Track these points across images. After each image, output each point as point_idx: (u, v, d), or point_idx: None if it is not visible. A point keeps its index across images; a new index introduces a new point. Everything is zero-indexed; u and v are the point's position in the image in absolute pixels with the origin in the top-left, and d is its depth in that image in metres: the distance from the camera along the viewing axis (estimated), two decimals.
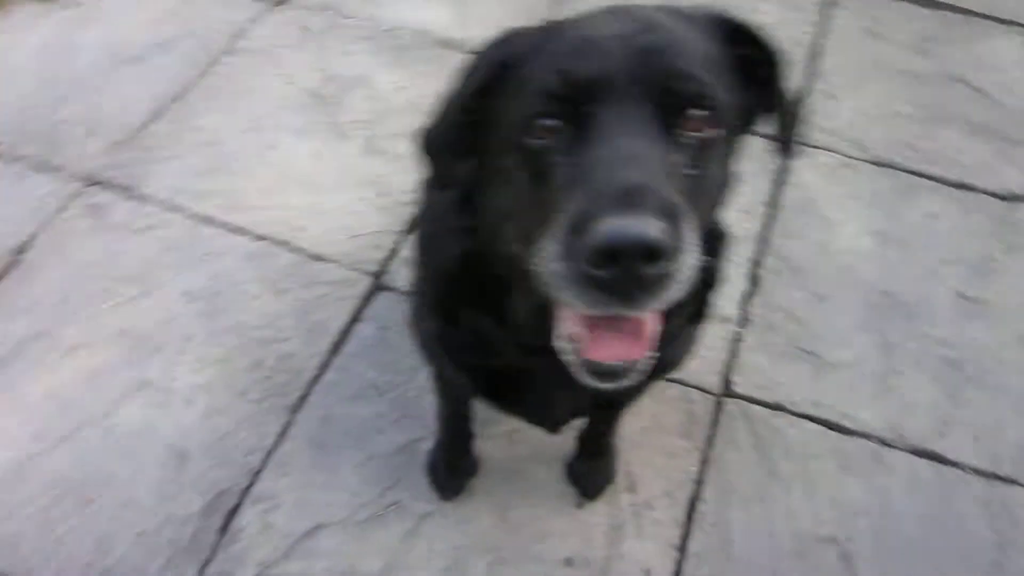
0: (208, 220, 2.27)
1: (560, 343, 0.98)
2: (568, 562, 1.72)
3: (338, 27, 2.83)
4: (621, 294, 0.80)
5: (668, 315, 0.98)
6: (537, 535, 1.75)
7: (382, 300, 2.12)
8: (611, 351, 0.91)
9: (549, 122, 0.90)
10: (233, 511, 1.77)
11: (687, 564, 1.71)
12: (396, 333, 2.02)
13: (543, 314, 1.06)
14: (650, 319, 0.93)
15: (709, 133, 0.92)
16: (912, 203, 2.40)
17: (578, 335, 0.93)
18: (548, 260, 0.84)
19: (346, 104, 2.58)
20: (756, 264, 2.23)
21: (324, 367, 1.99)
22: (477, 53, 1.04)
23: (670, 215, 0.80)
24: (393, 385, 1.97)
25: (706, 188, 0.96)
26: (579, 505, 1.79)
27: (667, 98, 0.89)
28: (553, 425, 1.41)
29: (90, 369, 1.98)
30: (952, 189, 2.44)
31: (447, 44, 2.75)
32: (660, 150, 0.87)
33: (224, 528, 1.75)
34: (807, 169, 2.47)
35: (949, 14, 3.03)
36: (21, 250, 2.19)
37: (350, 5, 2.91)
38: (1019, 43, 2.95)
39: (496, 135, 0.99)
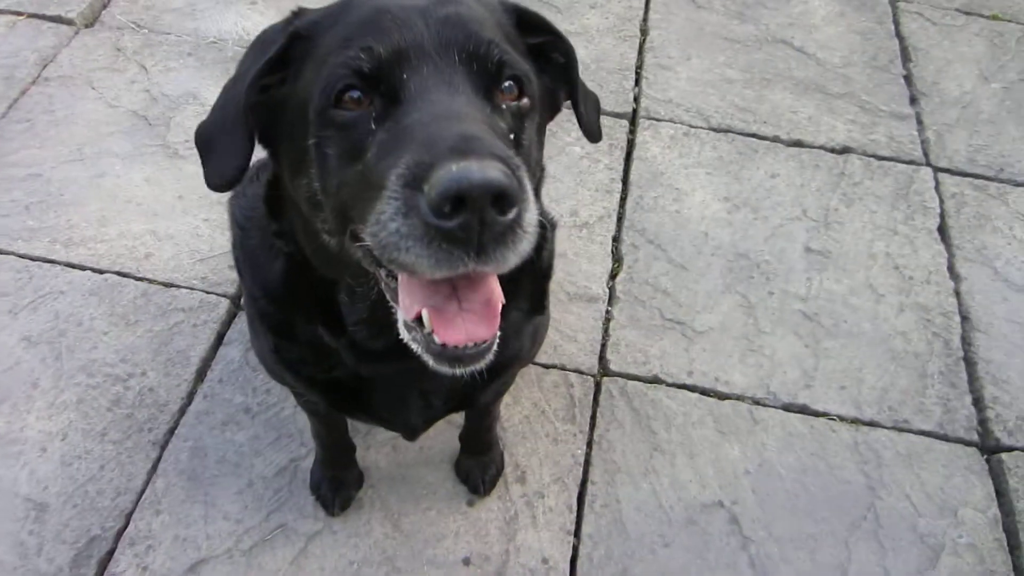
0: (41, 259, 2.11)
1: (405, 332, 0.92)
2: (466, 562, 1.69)
3: (155, 44, 2.69)
4: (472, 245, 0.77)
5: (506, 308, 0.94)
6: (432, 538, 1.72)
7: (245, 321, 2.02)
8: (462, 332, 0.87)
9: (356, 94, 0.88)
10: (107, 558, 1.66)
11: (583, 548, 1.72)
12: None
13: (379, 312, 1.04)
14: (496, 295, 0.90)
15: (523, 103, 0.94)
16: (754, 165, 2.50)
17: (426, 318, 0.88)
18: (386, 222, 0.79)
19: (176, 123, 2.46)
20: (616, 241, 2.26)
21: (190, 396, 1.89)
22: (267, 30, 1.00)
23: (508, 163, 0.78)
24: (266, 406, 1.88)
25: (526, 157, 0.95)
26: (471, 503, 1.77)
27: (477, 64, 0.90)
28: (411, 431, 1.37)
29: None
30: (788, 148, 2.56)
31: None
32: (481, 110, 0.87)
33: None
34: (652, 142, 2.53)
35: None
36: None
37: (165, 21, 2.77)
38: (828, 0, 3.12)
39: (296, 113, 0.95)
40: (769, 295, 2.18)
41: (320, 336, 1.16)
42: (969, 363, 2.08)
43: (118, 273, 2.09)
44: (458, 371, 0.90)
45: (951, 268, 2.28)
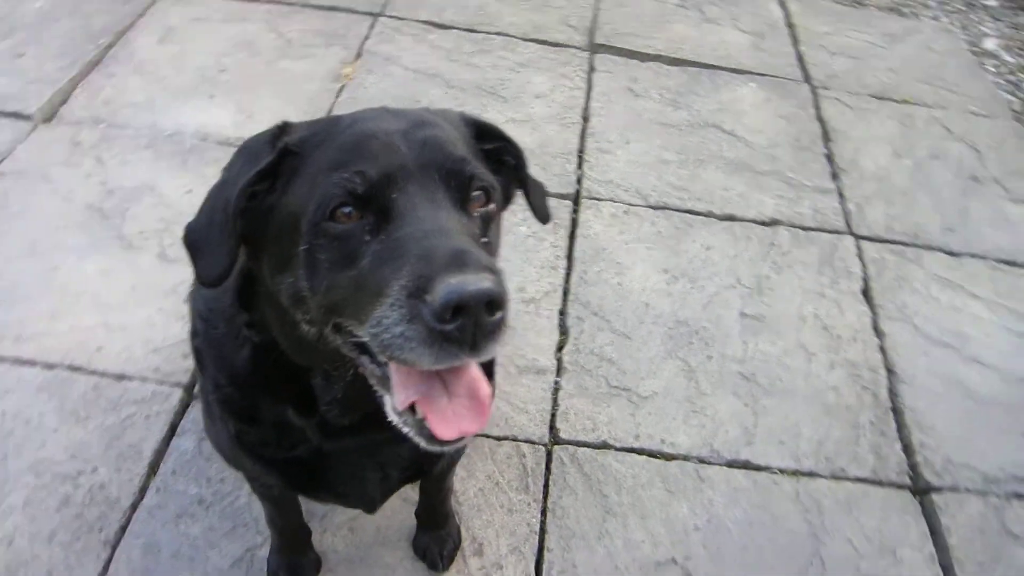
0: None
1: (396, 417, 1.01)
2: None
3: (113, 138, 2.75)
4: (467, 343, 0.88)
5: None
6: None
7: (198, 410, 2.03)
8: (455, 429, 0.97)
9: (349, 210, 0.97)
10: None
11: None
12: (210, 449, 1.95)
13: (353, 392, 1.10)
14: (484, 387, 1.00)
15: (490, 208, 1.07)
16: (689, 238, 2.63)
17: (424, 409, 0.98)
18: (390, 326, 0.90)
19: (132, 215, 2.49)
20: (562, 315, 2.35)
21: (142, 491, 1.87)
22: (253, 141, 1.07)
23: (495, 272, 0.91)
24: (220, 495, 1.88)
25: (493, 253, 1.07)
26: None
27: (453, 180, 1.02)
28: (370, 504, 1.40)
29: None
30: (721, 222, 2.71)
31: (232, 144, 2.74)
32: (461, 223, 0.99)
33: None
34: (594, 220, 2.65)
35: (693, 69, 3.40)
36: None
37: (123, 115, 2.84)
38: (755, 89, 3.35)
39: (285, 221, 1.02)
40: (708, 359, 2.27)
41: (286, 417, 1.20)
42: (897, 412, 2.20)
43: (69, 367, 2.08)
44: (446, 449, 1.00)
45: (875, 326, 2.42)
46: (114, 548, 1.78)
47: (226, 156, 2.68)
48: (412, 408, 0.99)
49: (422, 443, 0.99)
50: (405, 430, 1.00)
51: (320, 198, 0.98)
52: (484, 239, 1.05)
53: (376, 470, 1.32)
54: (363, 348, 1.00)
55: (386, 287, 0.91)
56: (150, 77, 3.04)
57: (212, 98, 2.97)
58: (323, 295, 0.99)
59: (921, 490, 2.04)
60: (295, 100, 2.99)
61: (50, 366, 2.09)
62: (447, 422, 0.97)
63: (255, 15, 3.42)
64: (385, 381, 1.01)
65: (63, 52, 3.07)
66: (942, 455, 2.11)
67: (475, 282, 0.87)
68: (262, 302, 1.14)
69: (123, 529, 1.81)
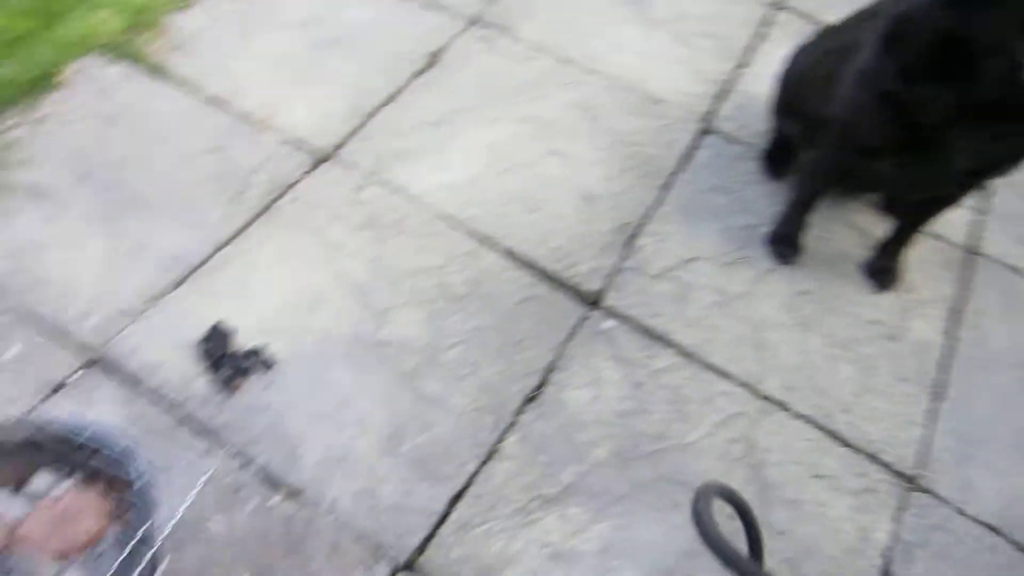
0: (569, 60, 2.91)
1: None
2: (871, 322, 2.34)
3: None
4: None
5: None
6: (846, 303, 2.37)
7: (710, 141, 2.76)
8: None
9: None
10: (634, 235, 2.38)
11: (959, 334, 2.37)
12: (726, 160, 2.69)
13: (1005, 78, 1.65)
14: None
15: None
16: None
17: None
18: None
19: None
20: None
21: (680, 170, 2.61)
22: None
23: None
24: (732, 189, 2.59)
25: None
26: (876, 291, 2.42)
27: None
28: (910, 188, 2.07)
29: (511, 134, 2.60)
30: None
31: None
32: None
33: (628, 243, 2.36)
34: None
35: None
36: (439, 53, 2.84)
37: None
38: None
39: None
40: None
41: (935, 88, 1.73)
42: None
43: (625, 86, 2.85)
44: None
45: None
46: (666, 191, 2.53)
47: None
48: None
49: None
50: None
51: None
52: None
53: (959, 157, 1.87)
54: None
55: None
56: None
57: None
58: None
59: None
60: None
61: (613, 80, 2.85)
62: None
63: None
64: None
65: None
66: None
67: None
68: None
69: (669, 183, 2.56)
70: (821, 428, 2.08)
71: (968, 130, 1.82)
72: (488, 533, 1.82)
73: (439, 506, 1.85)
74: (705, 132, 2.78)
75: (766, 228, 2.48)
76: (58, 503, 1.52)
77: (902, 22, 1.89)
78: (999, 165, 1.97)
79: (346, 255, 2.25)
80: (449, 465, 1.90)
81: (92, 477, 1.59)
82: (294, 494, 1.83)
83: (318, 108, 2.61)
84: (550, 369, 2.07)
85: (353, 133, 2.55)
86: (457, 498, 1.86)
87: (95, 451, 1.57)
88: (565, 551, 1.82)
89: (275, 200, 2.35)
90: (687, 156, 2.68)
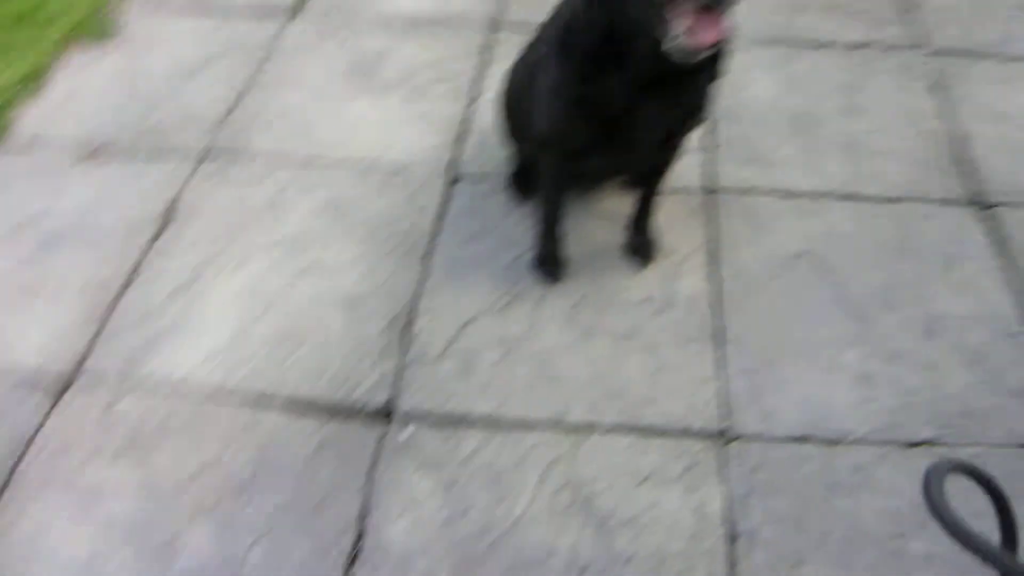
0: (306, 162, 2.94)
1: (672, 44, 1.70)
2: (645, 299, 2.49)
3: (350, 23, 3.57)
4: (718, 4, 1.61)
5: (700, 67, 1.84)
6: (617, 289, 2.50)
7: (460, 188, 2.83)
8: (709, 35, 1.68)
9: None
10: (408, 323, 2.43)
11: (725, 285, 2.53)
12: (480, 201, 2.78)
13: (652, 51, 1.79)
14: (724, 21, 1.69)
15: None
16: (797, 62, 3.33)
17: (687, 27, 1.67)
18: None
19: (380, 70, 3.30)
20: None
21: (435, 231, 2.68)
22: None
23: None
24: (492, 228, 2.67)
25: None
26: (640, 267, 2.57)
27: None
28: (630, 163, 2.26)
29: (262, 269, 2.59)
30: (820, 49, 3.40)
31: (438, 22, 3.56)
32: None
33: (404, 334, 2.40)
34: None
35: None
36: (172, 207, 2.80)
37: (349, 4, 3.66)
38: None
39: None
40: (819, 136, 2.99)
41: (613, 77, 1.92)
42: (963, 160, 2.90)
43: (368, 164, 2.89)
44: (693, 58, 1.73)
45: (945, 108, 3.11)
46: (428, 260, 2.59)
47: (438, 30, 3.42)
48: (681, 36, 1.67)
49: (683, 51, 1.68)
50: (674, 46, 1.67)
51: None
52: None
53: (649, 128, 2.07)
54: (659, 8, 1.67)
55: None
56: None
57: None
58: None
59: (984, 205, 2.75)
60: None
61: (352, 166, 2.89)
62: (702, 34, 1.66)
63: None
64: (667, 27, 1.69)
65: None
66: (999, 183, 2.81)
67: None
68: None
69: (430, 251, 2.61)
70: (632, 430, 2.18)
71: (650, 106, 2.02)
72: None
73: None
74: (454, 181, 2.86)
75: (530, 253, 2.59)
76: None
77: (568, 30, 2.04)
78: (685, 124, 2.19)
79: (109, 496, 2.04)
80: None
81: None
82: None
83: (51, 325, 2.41)
84: (363, 515, 1.99)
85: (95, 339, 2.37)
86: None
87: None
88: None
89: (16, 466, 2.11)
90: (441, 214, 2.75)
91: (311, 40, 3.48)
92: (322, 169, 2.92)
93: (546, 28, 2.20)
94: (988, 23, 3.56)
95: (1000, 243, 2.63)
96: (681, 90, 2.00)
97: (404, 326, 2.44)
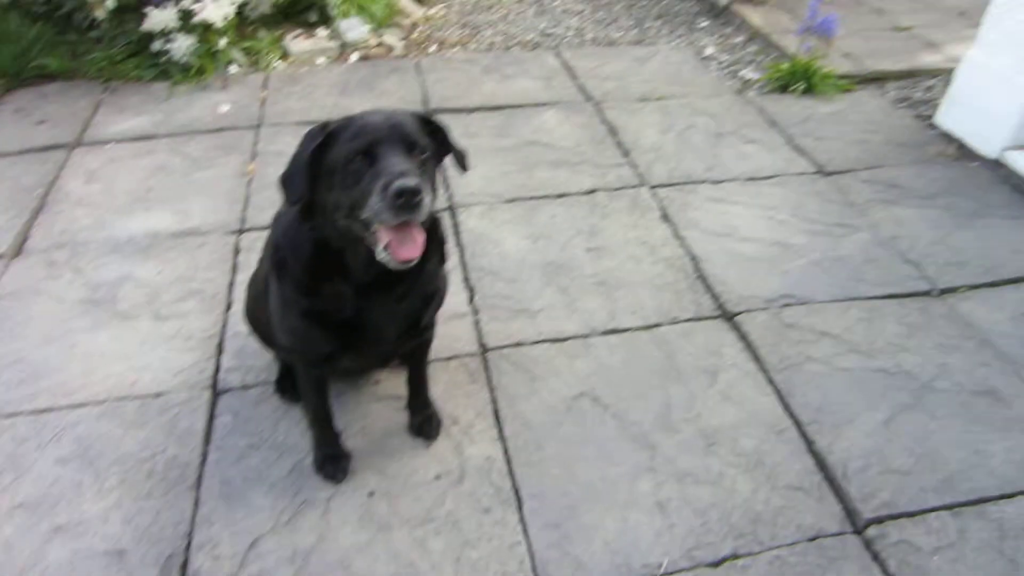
0: (49, 410, 2.64)
1: (382, 255, 1.79)
2: (437, 477, 2.41)
3: (81, 253, 3.36)
4: (407, 209, 1.70)
5: (426, 257, 1.92)
6: (410, 472, 2.41)
7: (226, 401, 2.67)
8: (407, 252, 1.78)
9: (358, 158, 1.78)
10: (184, 565, 2.18)
11: (510, 442, 2.50)
12: (249, 411, 2.62)
13: (367, 261, 1.88)
14: (420, 234, 1.81)
15: (424, 159, 1.88)
16: (539, 214, 3.56)
17: (389, 244, 1.77)
18: (374, 205, 1.72)
19: (120, 297, 3.07)
20: (466, 279, 3.18)
21: (205, 452, 2.48)
22: (313, 129, 1.88)
23: (419, 180, 1.72)
24: (264, 439, 2.52)
25: (429, 182, 1.87)
26: (428, 446, 2.51)
27: (406, 143, 1.83)
28: (383, 355, 2.22)
29: (3, 539, 2.29)
30: (557, 199, 3.67)
31: (180, 236, 3.46)
32: (409, 162, 1.79)
33: (182, 573, 2.16)
34: (469, 219, 3.53)
35: (507, 110, 4.45)
36: None
37: (82, 236, 3.47)
38: (555, 113, 4.42)
39: (329, 168, 1.83)
40: (572, 280, 3.16)
41: (336, 287, 1.97)
42: (702, 278, 3.16)
43: (116, 399, 2.65)
44: (405, 266, 1.80)
45: (676, 234, 3.40)
46: (198, 488, 2.38)
47: (178, 246, 3.35)
48: (387, 250, 1.77)
49: (391, 264, 1.79)
50: (384, 259, 1.79)
51: (346, 153, 1.78)
52: (423, 173, 1.84)
53: (390, 322, 2.09)
54: (366, 225, 1.78)
55: (373, 189, 1.73)
56: (91, 207, 3.65)
57: (150, 210, 3.63)
58: (348, 199, 1.79)
59: (728, 316, 2.99)
60: (216, 196, 3.73)
61: (100, 402, 2.66)
62: (403, 251, 1.77)
63: (158, 148, 4.12)
64: (375, 239, 1.79)
65: (6, 207, 3.64)
66: (736, 294, 3.08)
67: (408, 182, 1.69)
68: (317, 215, 1.91)
69: (200, 477, 2.41)
70: None
71: (384, 303, 2.06)
72: None
73: None
74: (218, 395, 2.70)
75: (310, 456, 2.45)
76: None
77: (278, 247, 2.06)
78: (425, 309, 2.22)
79: None
80: None
81: None
82: None
83: None
84: None
85: None
86: None
87: None
88: None
89: None
90: (208, 434, 2.56)
91: (37, 280, 3.23)
92: (65, 413, 2.64)
93: (266, 243, 2.22)
94: (691, 155, 4.04)
95: (750, 348, 2.85)
96: (411, 283, 2.07)
97: (180, 567, 2.18)
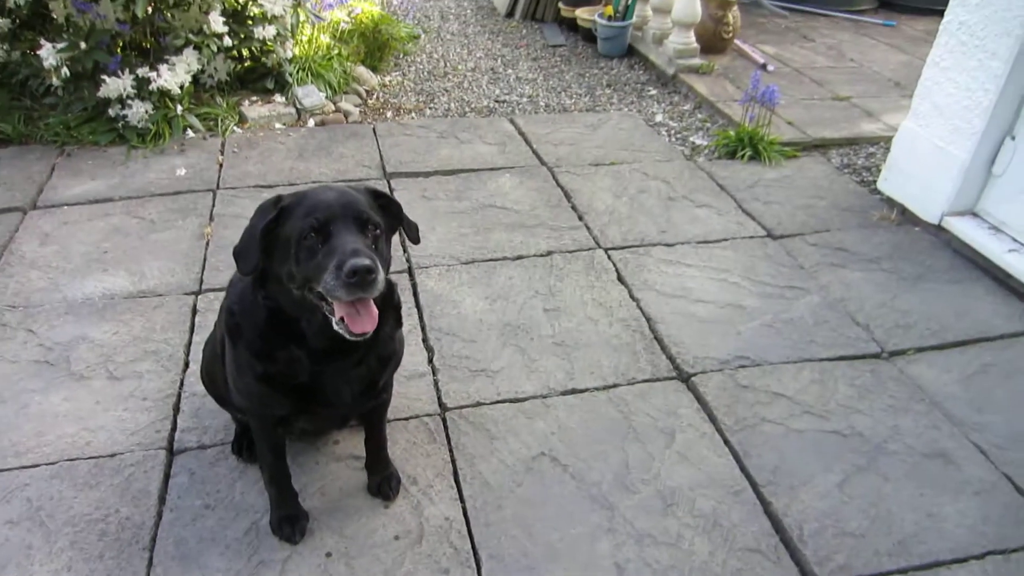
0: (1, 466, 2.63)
1: (337, 327, 1.87)
2: (396, 537, 2.42)
3: (35, 314, 3.35)
4: (360, 286, 1.78)
5: (383, 321, 1.99)
6: (369, 532, 2.42)
7: (182, 462, 2.67)
8: (362, 326, 1.86)
9: (312, 234, 1.86)
10: None
11: (468, 503, 2.53)
12: (205, 471, 2.62)
13: (323, 328, 1.96)
14: (375, 311, 1.89)
15: (378, 233, 1.96)
16: (496, 275, 3.66)
17: (345, 317, 1.85)
18: (328, 282, 1.80)
19: (74, 358, 3.06)
20: (425, 340, 3.24)
21: (159, 513, 2.46)
22: (265, 203, 1.94)
23: (373, 258, 1.80)
24: (220, 499, 2.52)
25: (382, 257, 1.94)
26: (387, 506, 2.52)
27: (359, 220, 1.91)
28: (340, 417, 2.29)
29: None
30: (514, 261, 3.78)
31: (136, 297, 3.46)
32: (362, 240, 1.88)
33: None
34: (427, 281, 3.61)
35: (463, 174, 4.59)
36: None
37: (36, 298, 3.45)
38: (510, 177, 4.57)
39: (282, 242, 1.91)
40: (531, 340, 3.24)
41: (290, 352, 2.01)
42: (658, 339, 3.26)
43: (68, 460, 2.62)
44: (360, 339, 1.89)
45: (631, 296, 3.52)
46: (152, 550, 2.36)
47: (134, 307, 3.37)
48: (343, 322, 1.86)
49: (347, 335, 1.86)
50: (340, 330, 1.87)
51: (299, 229, 1.86)
52: (375, 248, 1.93)
53: (346, 385, 2.13)
54: (320, 296, 1.86)
55: (327, 266, 1.81)
56: (46, 269, 3.64)
57: (105, 271, 3.64)
58: (302, 273, 1.86)
59: (684, 377, 3.08)
60: (174, 257, 3.76)
61: (52, 463, 2.63)
62: (358, 325, 1.85)
63: (115, 210, 4.14)
64: (331, 310, 1.87)
65: None
66: (692, 355, 3.18)
67: (362, 261, 1.77)
68: (271, 284, 1.97)
69: (154, 538, 2.39)
70: None
71: (339, 368, 2.11)
72: None
73: None
74: (174, 455, 2.69)
75: (267, 516, 2.45)
76: None
77: (232, 312, 2.11)
78: (381, 372, 2.27)
79: None
80: None
81: None
82: None
83: None
84: None
85: None
86: None
87: None
88: None
89: None
90: (163, 495, 2.55)
91: None
92: (15, 474, 2.61)
93: (221, 307, 2.28)
94: (644, 219, 4.20)
95: (706, 409, 2.94)
96: (367, 348, 2.12)
97: None
